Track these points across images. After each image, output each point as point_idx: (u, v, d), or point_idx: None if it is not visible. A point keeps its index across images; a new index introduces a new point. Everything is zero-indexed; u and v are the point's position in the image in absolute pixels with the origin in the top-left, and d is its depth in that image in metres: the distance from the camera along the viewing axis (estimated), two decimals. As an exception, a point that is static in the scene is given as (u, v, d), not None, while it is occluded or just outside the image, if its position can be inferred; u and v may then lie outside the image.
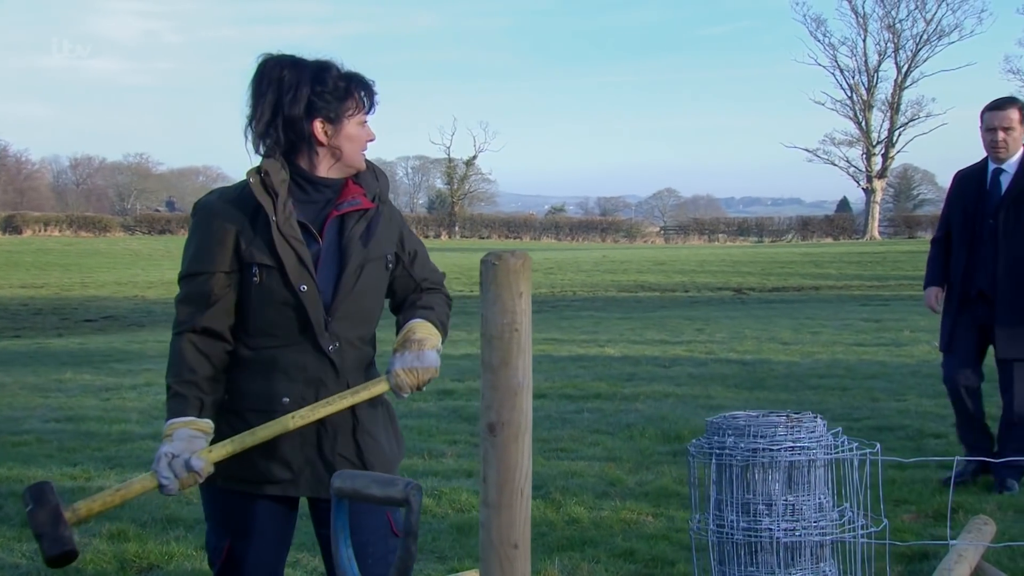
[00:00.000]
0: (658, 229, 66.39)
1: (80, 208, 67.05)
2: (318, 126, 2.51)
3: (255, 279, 2.46)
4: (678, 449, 6.16)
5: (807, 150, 62.47)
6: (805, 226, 59.86)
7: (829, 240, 55.55)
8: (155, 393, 8.60)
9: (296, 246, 2.46)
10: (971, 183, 5.28)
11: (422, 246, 2.75)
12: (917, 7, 59.62)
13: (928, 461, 4.91)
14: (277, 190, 2.46)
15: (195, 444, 2.39)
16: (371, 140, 2.59)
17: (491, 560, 2.09)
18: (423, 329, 2.55)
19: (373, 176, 2.62)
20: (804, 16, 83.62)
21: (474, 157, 66.45)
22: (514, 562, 2.09)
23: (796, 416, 2.53)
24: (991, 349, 5.23)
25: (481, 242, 55.41)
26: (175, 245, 45.78)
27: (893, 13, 60.11)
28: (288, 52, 2.53)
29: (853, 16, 61.04)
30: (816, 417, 2.57)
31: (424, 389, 2.58)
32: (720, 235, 60.15)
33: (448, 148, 66.54)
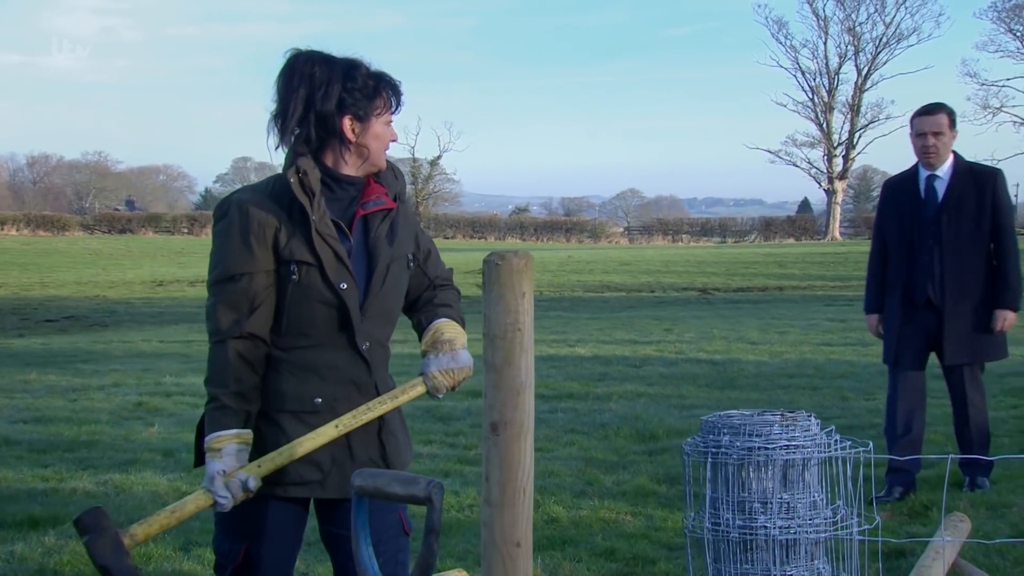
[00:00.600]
0: (622, 229, 66.61)
1: (37, 207, 66.10)
2: (347, 123, 2.48)
3: (294, 277, 2.41)
4: (653, 448, 6.20)
5: (769, 151, 63.10)
6: (767, 227, 60.34)
7: (791, 240, 56.04)
8: (123, 394, 8.52)
9: (333, 244, 2.43)
10: (905, 192, 5.20)
11: (434, 244, 2.75)
12: (876, 10, 60.42)
13: (923, 459, 4.92)
14: (314, 189, 2.43)
15: (242, 458, 2.37)
16: (394, 140, 2.56)
17: (493, 559, 2.09)
18: (451, 329, 2.54)
19: (393, 175, 2.60)
20: (766, 18, 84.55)
21: (438, 157, 66.34)
22: (516, 561, 2.09)
23: (791, 415, 2.56)
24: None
25: (446, 242, 55.29)
26: (136, 245, 45.40)
27: (853, 16, 60.87)
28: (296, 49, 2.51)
29: (814, 19, 61.76)
30: (810, 416, 2.60)
31: (457, 389, 2.58)
32: (684, 235, 60.47)
33: (412, 148, 66.28)
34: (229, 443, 2.37)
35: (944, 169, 5.11)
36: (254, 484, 2.35)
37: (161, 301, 21.95)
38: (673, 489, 5.27)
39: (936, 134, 5.05)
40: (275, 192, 2.46)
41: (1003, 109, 57.93)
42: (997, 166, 5.25)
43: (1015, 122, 58.52)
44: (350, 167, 2.52)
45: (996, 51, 62.56)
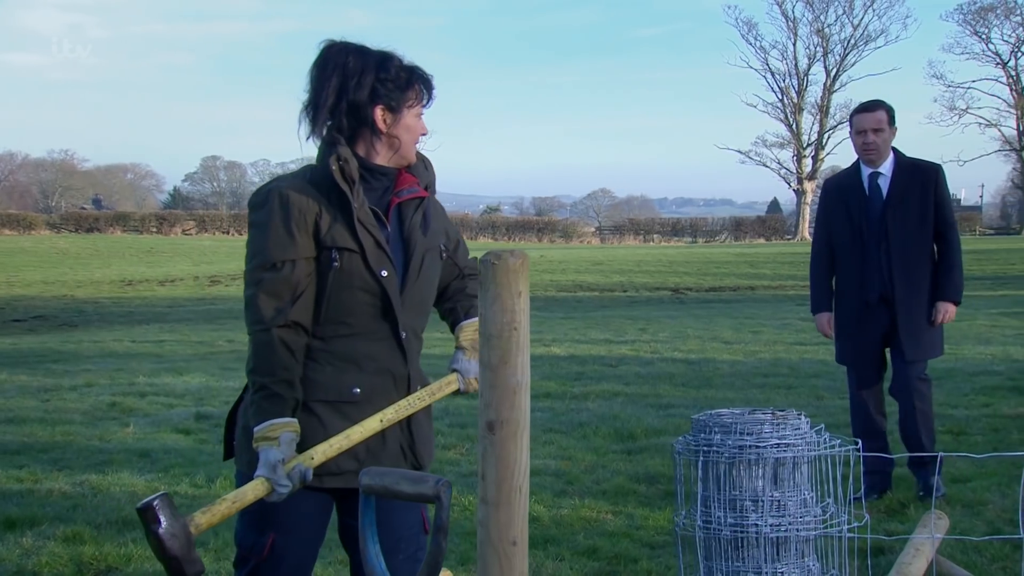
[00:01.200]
0: (594, 229, 66.82)
1: (2, 205, 65.35)
2: (379, 113, 2.46)
3: (336, 264, 2.39)
4: (632, 448, 6.22)
5: (739, 151, 63.66)
6: (738, 227, 60.77)
7: (761, 241, 56.46)
8: (96, 394, 8.44)
9: (374, 231, 2.42)
10: (849, 190, 5.15)
11: (461, 235, 2.77)
12: (845, 12, 61.09)
13: (905, 457, 4.95)
14: (354, 177, 2.42)
15: (294, 448, 2.33)
16: (424, 134, 2.55)
17: (490, 557, 2.09)
18: None
19: (424, 167, 2.61)
20: (736, 19, 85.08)
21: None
22: (513, 559, 2.09)
23: (781, 413, 2.58)
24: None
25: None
26: (104, 244, 44.95)
27: (822, 18, 61.47)
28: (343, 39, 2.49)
29: (784, 20, 62.34)
30: (800, 415, 2.62)
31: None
32: (655, 235, 60.75)
33: (384, 147, 66.09)
34: (285, 431, 2.31)
35: (886, 166, 5.09)
36: (311, 476, 2.32)
37: (131, 301, 21.76)
38: (653, 488, 5.30)
39: (876, 131, 5.02)
40: (314, 180, 2.43)
41: (969, 110, 58.78)
42: (937, 162, 5.17)
43: (980, 123, 59.38)
44: (381, 158, 2.50)
45: (962, 53, 63.48)
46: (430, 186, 2.60)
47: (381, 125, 2.46)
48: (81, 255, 38.28)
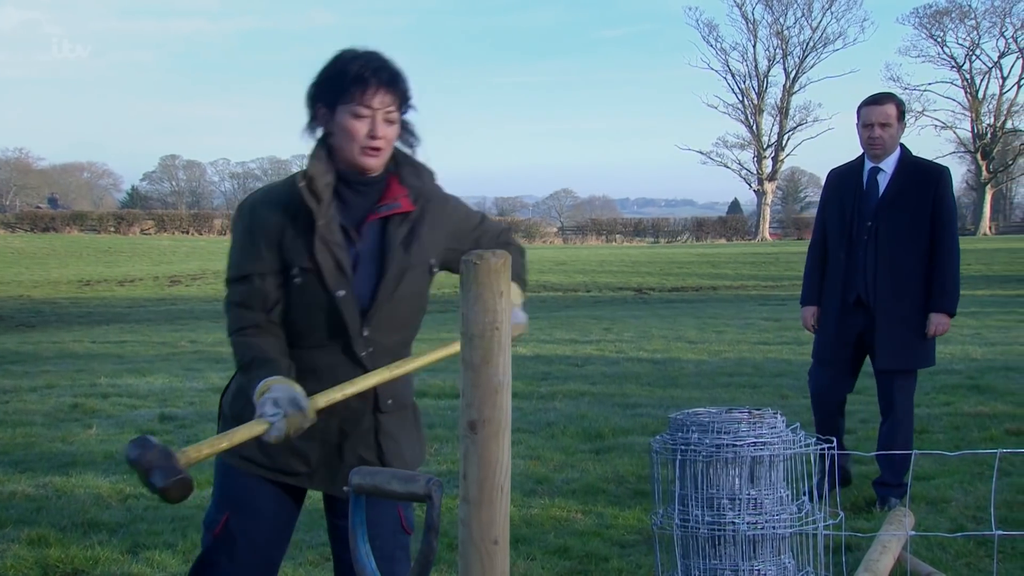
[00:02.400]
0: (556, 229, 66.94)
1: (-43, 204, 64.21)
2: (319, 111, 2.44)
3: (296, 280, 2.40)
4: (600, 447, 6.25)
5: (701, 152, 64.20)
6: (699, 227, 61.16)
7: (723, 241, 56.89)
8: (58, 395, 8.33)
9: (335, 251, 2.39)
10: (847, 182, 4.99)
11: (486, 220, 2.65)
12: (804, 15, 61.75)
13: (863, 456, 4.98)
14: (321, 195, 2.38)
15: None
16: (373, 137, 2.39)
17: (471, 556, 2.10)
18: None
19: (415, 174, 2.50)
20: (697, 21, 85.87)
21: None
22: (494, 558, 2.10)
23: (758, 412, 2.61)
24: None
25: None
26: (60, 244, 44.30)
27: (781, 20, 62.12)
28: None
29: (744, 22, 62.90)
30: (776, 413, 2.65)
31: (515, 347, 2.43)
32: (617, 235, 60.98)
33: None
34: (278, 384, 2.30)
35: (889, 162, 4.90)
36: (306, 403, 2.28)
37: (89, 301, 21.49)
38: (622, 487, 5.32)
39: (883, 125, 4.83)
40: (289, 194, 2.42)
41: (925, 113, 59.55)
42: (944, 164, 5.03)
43: (936, 125, 60.23)
44: (342, 163, 2.44)
45: (918, 56, 64.68)
46: (424, 196, 2.49)
47: (322, 123, 2.43)
48: (37, 255, 37.71)
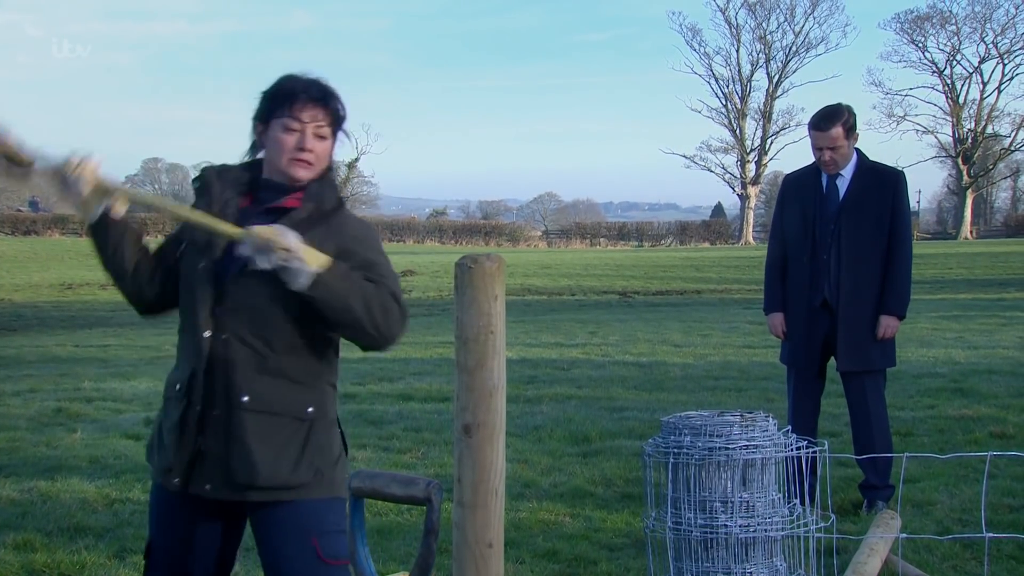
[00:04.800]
0: (540, 233, 66.98)
1: (-63, 207, 63.64)
2: (256, 125, 2.56)
3: (179, 252, 2.54)
4: (587, 450, 6.25)
5: (684, 156, 64.41)
6: (683, 231, 61.34)
7: (706, 245, 57.04)
8: (41, 399, 8.28)
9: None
10: (807, 188, 5.00)
11: (385, 266, 2.51)
12: (787, 19, 62.07)
13: (875, 458, 4.99)
14: (209, 184, 2.53)
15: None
16: (301, 149, 2.46)
17: (465, 560, 2.10)
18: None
19: (319, 184, 2.52)
20: (680, 25, 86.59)
21: (356, 160, 65.83)
22: (488, 561, 2.10)
23: (749, 415, 2.62)
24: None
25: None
26: (41, 247, 44.01)
27: (764, 25, 62.42)
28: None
29: (727, 27, 63.19)
30: (768, 417, 2.66)
31: (278, 254, 2.30)
32: (601, 239, 61.07)
33: (330, 150, 65.61)
34: None
35: (847, 168, 4.93)
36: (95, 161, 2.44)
37: (71, 305, 21.35)
38: (610, 490, 5.33)
39: (832, 148, 4.84)
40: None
41: (907, 118, 59.91)
42: (900, 168, 5.06)
43: (918, 130, 60.58)
44: (268, 170, 2.55)
45: (900, 61, 65.05)
46: (318, 204, 2.48)
47: (257, 136, 2.56)
48: (18, 258, 37.47)
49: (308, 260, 2.33)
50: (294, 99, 2.47)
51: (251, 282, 2.41)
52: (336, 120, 2.53)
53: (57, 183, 2.42)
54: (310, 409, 2.48)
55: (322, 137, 2.51)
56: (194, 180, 2.58)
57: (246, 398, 2.42)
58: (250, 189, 2.55)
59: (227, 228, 2.39)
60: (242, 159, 2.61)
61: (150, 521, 2.58)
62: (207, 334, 2.42)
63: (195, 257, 2.47)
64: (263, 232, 2.32)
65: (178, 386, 2.47)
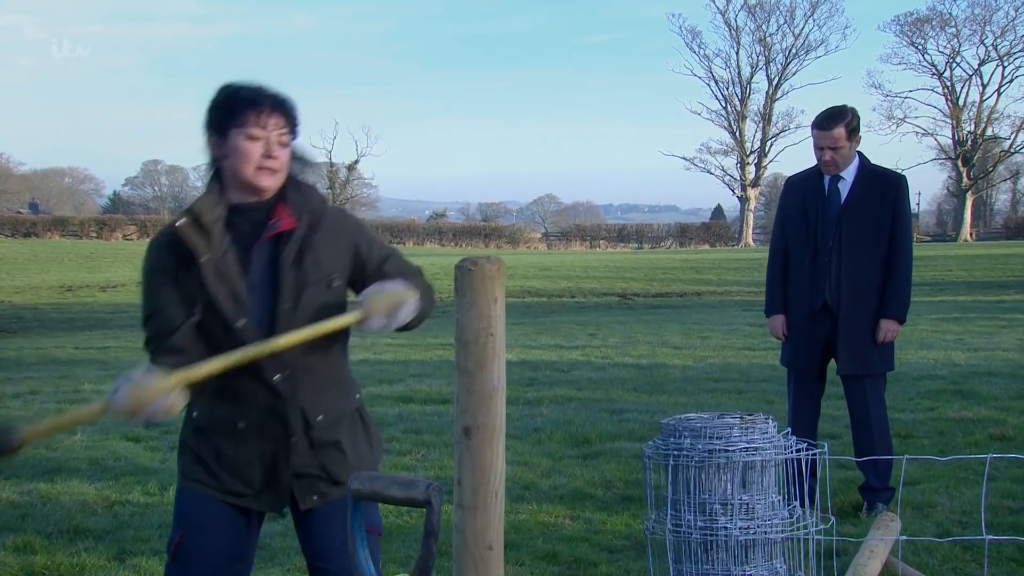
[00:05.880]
0: (540, 235, 67.00)
1: (-63, 209, 63.71)
2: (211, 142, 2.49)
3: (195, 316, 2.44)
4: (587, 452, 6.25)
5: (684, 158, 64.42)
6: (683, 233, 61.35)
7: (706, 247, 57.05)
8: (41, 402, 8.28)
9: (230, 281, 2.43)
10: (809, 190, 5.01)
11: (395, 251, 2.62)
12: (786, 22, 62.11)
13: (875, 460, 4.98)
14: (211, 228, 2.43)
15: (156, 376, 2.29)
16: (269, 157, 2.44)
17: (465, 562, 2.10)
18: (390, 281, 2.43)
19: (297, 191, 2.52)
20: (680, 28, 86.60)
21: (356, 162, 65.91)
22: (488, 563, 2.10)
23: (749, 417, 2.62)
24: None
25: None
26: (42, 249, 44.02)
27: (764, 27, 62.45)
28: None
29: (727, 29, 63.17)
30: (768, 418, 2.66)
31: (401, 320, 2.38)
32: (601, 241, 61.08)
33: (330, 152, 65.77)
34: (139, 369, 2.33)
35: (849, 171, 4.94)
36: (150, 379, 2.25)
37: (71, 307, 21.35)
38: (610, 492, 5.33)
39: (833, 148, 4.86)
40: (175, 236, 2.46)
41: (906, 120, 59.94)
42: (901, 172, 5.07)
43: (917, 132, 60.60)
44: (233, 192, 2.48)
45: (899, 63, 64.97)
46: (309, 210, 2.50)
47: (215, 152, 2.48)
48: (18, 260, 37.46)
49: (406, 297, 2.40)
50: (256, 107, 2.44)
51: (299, 318, 2.45)
52: (295, 126, 2.52)
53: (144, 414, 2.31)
54: (357, 395, 2.66)
55: (284, 144, 2.49)
56: (174, 242, 2.43)
57: (320, 417, 2.54)
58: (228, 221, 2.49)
59: (342, 323, 2.39)
60: (204, 180, 2.55)
61: (180, 521, 2.57)
62: (277, 378, 2.47)
63: (224, 316, 2.42)
64: (388, 301, 2.38)
65: (241, 424, 2.51)
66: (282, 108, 2.47)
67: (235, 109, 2.44)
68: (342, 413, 2.60)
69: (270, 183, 2.46)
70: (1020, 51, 57.16)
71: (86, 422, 2.30)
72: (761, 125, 62.96)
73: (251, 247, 2.46)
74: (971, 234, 59.40)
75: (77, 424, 2.30)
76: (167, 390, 2.26)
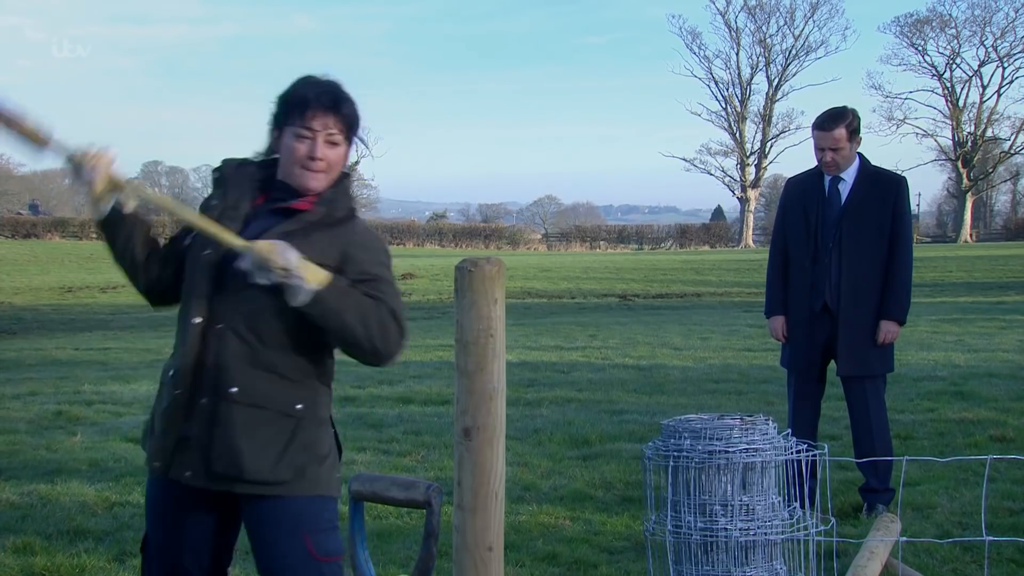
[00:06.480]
0: (540, 236, 66.99)
1: (-63, 210, 63.69)
2: (273, 130, 2.56)
3: (187, 241, 2.54)
4: (587, 453, 6.25)
5: (684, 159, 64.44)
6: (683, 234, 61.33)
7: (706, 248, 57.04)
8: (41, 403, 8.28)
9: (224, 221, 2.47)
10: (809, 191, 5.01)
11: (384, 280, 2.49)
12: (786, 23, 62.12)
13: (875, 461, 4.97)
14: (228, 177, 2.55)
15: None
16: (312, 158, 2.46)
17: (466, 563, 2.10)
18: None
19: (333, 193, 2.52)
20: (680, 29, 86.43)
21: (356, 163, 65.82)
22: (488, 564, 2.11)
23: (749, 419, 2.61)
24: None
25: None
26: (41, 250, 44.01)
27: (764, 28, 62.46)
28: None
29: (727, 30, 63.17)
30: (768, 420, 2.66)
31: (271, 279, 2.33)
32: (601, 242, 61.06)
33: (329, 153, 65.68)
34: None
35: (849, 172, 4.95)
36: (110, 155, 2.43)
37: (72, 308, 21.36)
38: (610, 493, 5.33)
39: (834, 149, 4.87)
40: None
41: (906, 121, 59.92)
42: (902, 174, 5.09)
43: (917, 133, 60.60)
44: (283, 175, 2.54)
45: (899, 64, 64.96)
46: (330, 209, 2.50)
47: (272, 143, 2.56)
48: (18, 261, 37.45)
49: (308, 277, 2.34)
50: (305, 107, 2.47)
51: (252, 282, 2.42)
52: (349, 127, 2.53)
53: (72, 172, 2.42)
54: (299, 406, 2.46)
55: (334, 144, 2.50)
56: (214, 170, 2.59)
57: (234, 389, 2.41)
58: (265, 187, 2.56)
59: (230, 238, 2.39)
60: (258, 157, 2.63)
61: (146, 515, 2.58)
62: (198, 321, 2.43)
63: (202, 246, 2.47)
64: (264, 248, 2.33)
65: (171, 372, 2.48)
66: (334, 109, 2.48)
67: (289, 105, 2.49)
68: (267, 404, 2.42)
69: (314, 184, 2.49)
70: (1020, 52, 57.21)
71: (220, 239, 2.40)
72: (761, 126, 62.99)
73: (263, 214, 2.51)
74: (971, 235, 59.39)
75: (212, 232, 2.41)
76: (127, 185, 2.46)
